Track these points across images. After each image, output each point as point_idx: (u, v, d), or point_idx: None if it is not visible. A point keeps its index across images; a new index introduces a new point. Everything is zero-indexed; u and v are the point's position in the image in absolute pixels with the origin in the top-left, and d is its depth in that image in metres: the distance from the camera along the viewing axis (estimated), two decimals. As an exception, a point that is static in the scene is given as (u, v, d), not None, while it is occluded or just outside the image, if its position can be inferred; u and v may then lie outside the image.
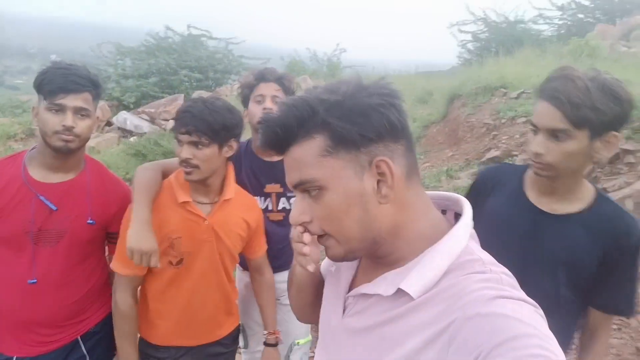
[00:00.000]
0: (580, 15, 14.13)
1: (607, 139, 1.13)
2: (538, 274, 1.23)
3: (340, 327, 0.78)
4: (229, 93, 11.06)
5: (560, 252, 1.21)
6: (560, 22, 14.39)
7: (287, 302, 1.96)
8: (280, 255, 1.94)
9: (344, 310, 0.80)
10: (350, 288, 0.81)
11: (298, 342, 1.98)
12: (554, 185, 1.22)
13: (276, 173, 1.86)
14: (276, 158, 1.86)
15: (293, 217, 0.72)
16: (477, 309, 0.59)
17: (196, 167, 1.41)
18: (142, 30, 13.49)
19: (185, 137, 1.39)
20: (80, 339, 1.56)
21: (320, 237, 0.72)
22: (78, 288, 1.52)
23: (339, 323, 0.79)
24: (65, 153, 1.42)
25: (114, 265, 1.49)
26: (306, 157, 0.67)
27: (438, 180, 5.24)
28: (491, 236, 1.25)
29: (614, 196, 3.43)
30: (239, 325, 1.75)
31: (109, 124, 9.88)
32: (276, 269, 1.93)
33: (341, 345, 0.77)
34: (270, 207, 1.90)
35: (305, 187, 0.69)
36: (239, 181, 1.81)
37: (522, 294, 0.62)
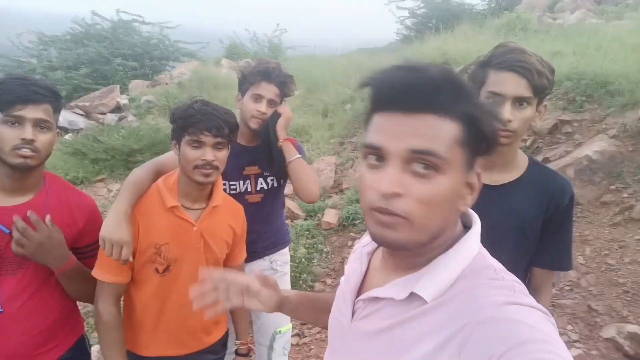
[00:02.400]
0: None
1: (540, 108, 1.26)
2: (489, 246, 1.31)
3: (350, 330, 0.78)
4: (169, 81, 10.56)
5: (509, 221, 1.27)
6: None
7: None
8: (257, 240, 1.99)
9: (352, 314, 0.80)
10: (359, 292, 0.81)
11: (280, 331, 2.03)
12: (496, 157, 1.27)
13: (254, 156, 1.96)
14: (253, 143, 1.97)
15: (384, 185, 0.63)
16: (489, 313, 0.60)
17: (216, 168, 1.40)
18: (66, 17, 12.45)
19: (210, 139, 1.37)
20: None
21: (392, 216, 0.64)
22: (46, 314, 1.43)
23: (348, 327, 0.79)
24: (24, 171, 1.30)
25: (96, 272, 1.42)
26: (443, 134, 0.63)
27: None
28: None
29: (556, 165, 3.70)
30: (227, 331, 1.73)
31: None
32: (254, 254, 1.98)
33: (350, 348, 0.78)
34: (249, 189, 1.97)
35: (422, 159, 0.62)
36: None
37: (532, 301, 0.64)
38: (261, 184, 1.99)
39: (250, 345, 1.78)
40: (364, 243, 0.88)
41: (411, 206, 0.63)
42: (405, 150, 0.63)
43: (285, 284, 2.18)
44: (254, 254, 1.98)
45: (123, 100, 9.50)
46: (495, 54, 1.24)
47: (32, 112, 1.26)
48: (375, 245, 0.84)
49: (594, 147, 3.68)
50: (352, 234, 4.14)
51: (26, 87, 1.26)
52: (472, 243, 0.71)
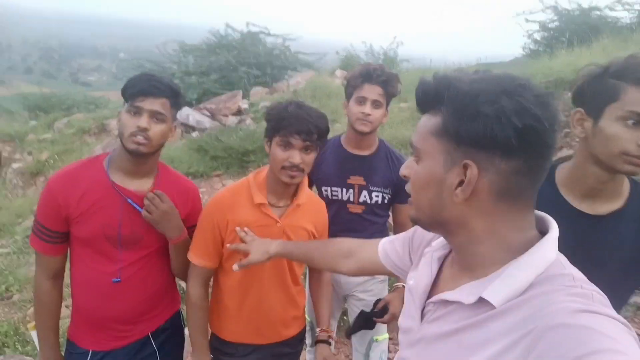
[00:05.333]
0: (665, 0, 12.85)
1: None
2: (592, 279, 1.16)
3: (419, 332, 0.80)
4: (285, 89, 11.18)
5: (615, 254, 1.13)
6: (642, 8, 13.17)
7: (363, 297, 1.95)
8: None
9: (422, 317, 0.81)
10: (430, 295, 0.83)
11: (376, 339, 2.03)
12: (607, 184, 1.12)
13: (362, 166, 1.95)
14: (364, 153, 1.96)
15: (401, 168, 0.81)
16: (562, 319, 0.57)
17: (302, 171, 1.45)
18: (202, 28, 13.92)
19: (299, 142, 1.41)
20: (150, 335, 1.62)
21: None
22: (152, 286, 1.59)
23: (418, 328, 0.81)
24: (138, 156, 1.45)
25: (189, 254, 1.55)
26: (423, 126, 0.75)
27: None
28: None
29: None
30: (305, 326, 1.75)
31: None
32: None
33: (419, 350, 0.79)
34: (352, 199, 1.96)
35: (413, 151, 0.78)
36: (321, 173, 1.94)
37: (613, 312, 0.60)
38: (364, 196, 1.95)
39: (331, 334, 1.78)
40: (436, 247, 0.89)
41: (409, 187, 0.79)
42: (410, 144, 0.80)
43: (383, 293, 2.13)
44: None
45: (244, 105, 10.29)
46: (630, 66, 1.08)
47: (149, 104, 1.41)
48: (447, 250, 0.87)
49: None
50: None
51: (149, 81, 1.41)
52: (547, 249, 0.68)
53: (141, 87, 1.41)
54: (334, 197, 1.97)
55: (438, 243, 0.89)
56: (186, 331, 1.74)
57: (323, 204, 1.72)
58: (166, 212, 1.47)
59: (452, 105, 0.69)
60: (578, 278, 0.66)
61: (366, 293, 2.05)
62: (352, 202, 1.95)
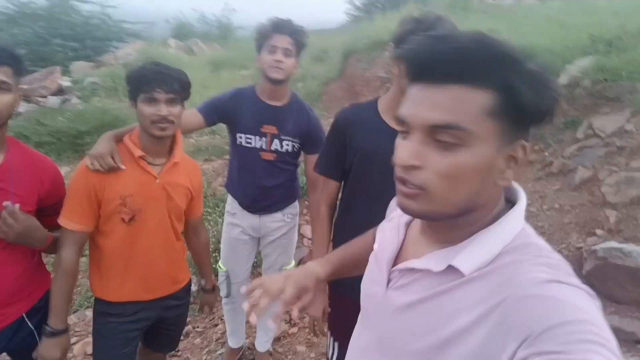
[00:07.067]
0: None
1: None
2: None
3: (384, 299, 0.78)
4: (114, 62, 10.18)
5: None
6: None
7: (274, 237, 2.24)
8: (268, 196, 2.15)
9: (387, 283, 0.78)
10: (395, 262, 0.80)
11: (285, 268, 2.24)
12: None
13: (275, 116, 2.05)
14: (277, 103, 2.07)
15: (402, 158, 0.63)
16: (530, 290, 0.57)
17: (172, 122, 1.50)
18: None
19: (162, 95, 1.46)
20: (25, 316, 1.55)
21: (411, 187, 0.64)
22: (17, 267, 1.50)
23: (383, 295, 0.78)
24: None
25: (61, 220, 1.51)
26: (470, 105, 0.60)
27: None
28: (369, 172, 1.50)
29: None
30: (190, 280, 1.86)
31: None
32: (264, 209, 2.18)
33: (384, 317, 0.77)
34: (264, 147, 2.06)
35: (443, 131, 0.60)
36: (237, 121, 2.04)
37: (578, 281, 0.60)
38: (276, 145, 2.06)
39: (215, 284, 1.95)
40: (401, 212, 0.80)
41: (429, 179, 0.62)
42: (424, 122, 0.62)
43: (293, 234, 2.35)
44: (267, 207, 2.17)
45: (65, 82, 9.09)
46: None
47: None
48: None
49: (523, 114, 4.03)
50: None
51: None
52: (516, 220, 0.67)
53: None
54: (247, 144, 2.06)
55: None
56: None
57: (197, 164, 1.80)
58: (23, 232, 1.38)
59: (523, 80, 0.58)
60: (544, 247, 0.65)
61: (282, 238, 2.26)
62: (265, 150, 2.06)
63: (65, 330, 1.54)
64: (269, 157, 2.08)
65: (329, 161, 1.65)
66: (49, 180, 1.55)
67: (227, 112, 2.07)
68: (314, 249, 1.70)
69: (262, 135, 2.05)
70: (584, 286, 0.59)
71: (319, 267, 1.02)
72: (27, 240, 1.42)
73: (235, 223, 2.24)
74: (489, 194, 0.65)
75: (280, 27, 1.95)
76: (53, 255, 1.60)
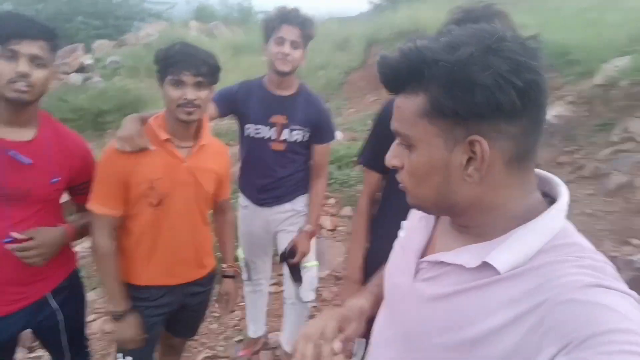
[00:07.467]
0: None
1: None
2: None
3: (410, 290, 0.76)
4: (136, 42, 10.20)
5: None
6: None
7: (292, 229, 2.19)
8: (279, 185, 2.12)
9: (415, 273, 0.77)
10: (424, 253, 0.78)
11: (305, 266, 2.19)
12: None
13: (283, 106, 2.03)
14: (286, 93, 2.04)
15: (387, 158, 0.72)
16: (573, 294, 0.54)
17: (199, 107, 1.46)
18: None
19: (190, 78, 1.42)
20: (48, 295, 1.55)
21: (401, 183, 0.72)
22: None
23: (409, 286, 0.76)
24: (19, 105, 1.32)
25: (91, 205, 1.49)
26: (405, 111, 0.65)
27: (364, 124, 5.50)
28: None
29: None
30: (215, 267, 1.84)
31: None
32: (275, 199, 2.15)
33: (411, 308, 0.75)
34: (273, 137, 2.04)
35: (399, 137, 0.69)
36: (245, 112, 2.04)
37: (625, 286, 0.57)
38: (286, 135, 2.03)
39: (236, 269, 1.90)
40: None
41: (404, 177, 0.70)
42: (392, 130, 0.70)
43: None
44: (277, 198, 2.13)
45: (87, 60, 9.15)
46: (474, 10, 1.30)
47: (27, 48, 1.28)
48: None
49: (553, 112, 3.93)
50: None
51: (22, 22, 1.27)
52: (556, 217, 0.64)
53: (14, 28, 1.25)
54: (257, 135, 2.04)
55: None
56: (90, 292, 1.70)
57: (224, 146, 1.77)
58: (42, 252, 1.40)
59: (440, 80, 0.60)
60: (587, 248, 0.62)
61: (294, 226, 2.21)
62: (274, 140, 2.03)
63: (129, 310, 1.56)
64: (279, 147, 2.05)
65: (373, 153, 1.59)
66: (79, 158, 1.54)
67: (237, 103, 2.05)
68: (352, 241, 1.69)
69: (271, 125, 2.03)
70: (632, 292, 0.56)
71: (363, 299, 0.97)
72: (52, 253, 1.45)
73: (248, 216, 2.24)
74: (471, 192, 0.65)
75: (288, 18, 1.90)
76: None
